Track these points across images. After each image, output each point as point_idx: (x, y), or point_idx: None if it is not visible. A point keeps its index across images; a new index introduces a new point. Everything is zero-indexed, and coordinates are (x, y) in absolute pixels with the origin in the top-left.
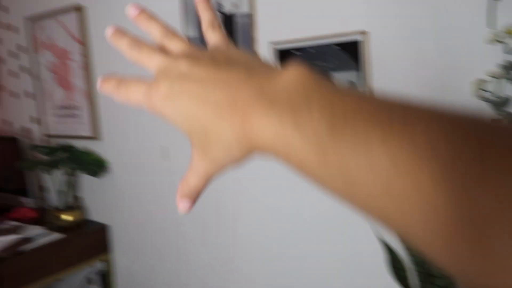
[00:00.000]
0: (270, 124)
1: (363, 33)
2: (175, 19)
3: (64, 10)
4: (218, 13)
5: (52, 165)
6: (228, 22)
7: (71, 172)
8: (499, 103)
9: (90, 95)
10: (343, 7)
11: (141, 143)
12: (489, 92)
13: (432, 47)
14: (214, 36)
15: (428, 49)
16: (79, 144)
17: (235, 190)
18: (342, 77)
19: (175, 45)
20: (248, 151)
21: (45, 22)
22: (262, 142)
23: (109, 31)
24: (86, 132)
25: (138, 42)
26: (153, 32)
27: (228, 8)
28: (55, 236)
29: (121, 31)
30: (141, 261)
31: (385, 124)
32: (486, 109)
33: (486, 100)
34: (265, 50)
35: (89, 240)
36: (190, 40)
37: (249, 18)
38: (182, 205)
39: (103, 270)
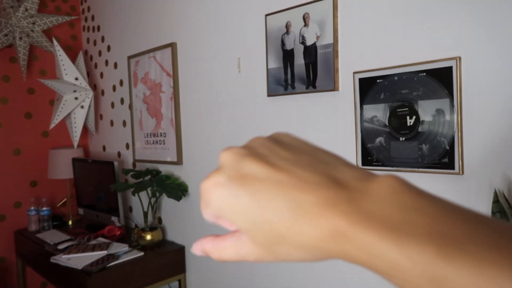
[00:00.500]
0: (367, 242)
1: (456, 58)
2: (261, 51)
3: (159, 48)
4: (301, 45)
5: (139, 188)
6: (311, 53)
7: (155, 195)
8: None
9: (176, 123)
10: (430, 33)
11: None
12: None
13: None
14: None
15: None
16: (163, 168)
17: None
18: (430, 105)
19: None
20: (326, 257)
21: (142, 58)
22: (353, 256)
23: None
24: (170, 158)
25: None
26: None
27: (310, 39)
28: (136, 253)
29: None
30: (212, 283)
31: (506, 253)
32: None
33: None
34: (347, 79)
35: (166, 260)
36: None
37: (332, 48)
38: (198, 252)
39: None
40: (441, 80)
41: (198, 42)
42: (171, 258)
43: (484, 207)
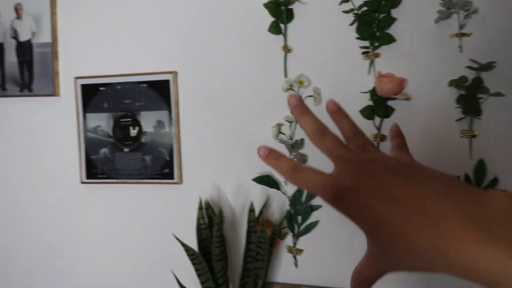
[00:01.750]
0: (490, 255)
1: (172, 72)
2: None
3: None
4: (13, 40)
5: None
6: (25, 51)
7: None
8: (293, 145)
9: None
10: (153, 47)
11: None
12: (285, 135)
13: (238, 90)
14: (360, 140)
15: (234, 91)
16: None
17: None
18: (151, 116)
19: (362, 140)
20: (443, 269)
21: None
22: (472, 269)
23: (292, 101)
24: None
25: (324, 129)
26: (344, 127)
27: (25, 34)
28: None
29: (304, 107)
30: None
31: None
32: (284, 150)
33: (283, 142)
34: (69, 84)
35: None
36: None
37: (50, 48)
38: None
39: None
40: (160, 92)
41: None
42: None
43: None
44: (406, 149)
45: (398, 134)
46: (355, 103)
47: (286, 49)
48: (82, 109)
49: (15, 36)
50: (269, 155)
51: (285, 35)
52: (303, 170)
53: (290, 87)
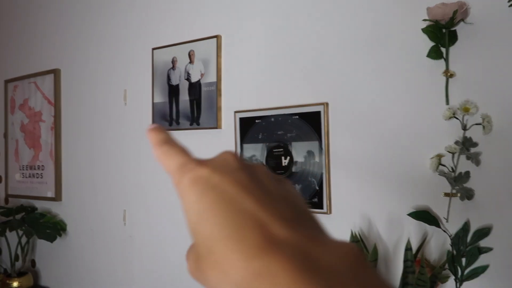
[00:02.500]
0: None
1: (324, 104)
2: (147, 84)
3: (41, 73)
4: (186, 82)
5: (6, 228)
6: (195, 90)
7: (26, 235)
8: (456, 178)
9: (56, 155)
10: (304, 79)
11: (102, 206)
12: (446, 167)
13: (393, 120)
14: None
15: (389, 122)
16: (41, 205)
17: None
18: (302, 146)
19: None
20: None
21: (21, 83)
22: None
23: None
24: (49, 193)
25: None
26: None
27: (195, 76)
28: None
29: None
30: None
31: None
32: (444, 184)
33: (444, 174)
34: (229, 117)
35: None
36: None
37: (215, 86)
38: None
39: None
40: (311, 123)
41: (83, 70)
42: None
43: None
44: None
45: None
46: None
47: (448, 74)
48: (240, 140)
49: (188, 78)
50: (154, 128)
51: (446, 59)
52: (170, 148)
53: (454, 115)
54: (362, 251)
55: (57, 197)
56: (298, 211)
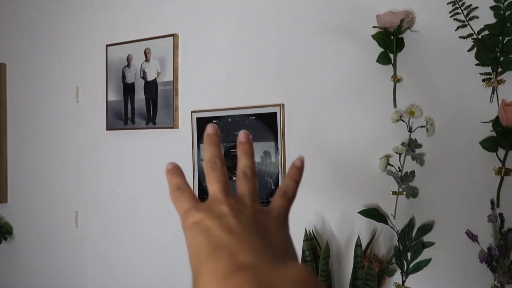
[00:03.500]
0: None
1: (279, 105)
2: (101, 82)
3: None
4: (142, 80)
5: None
6: (152, 89)
7: None
8: (402, 178)
9: (1, 156)
10: (260, 81)
11: (51, 208)
12: (394, 167)
13: (344, 122)
14: (277, 202)
15: (341, 123)
16: None
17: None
18: (259, 146)
19: (241, 186)
20: None
21: None
22: None
23: (209, 129)
24: None
25: (218, 161)
26: (239, 163)
27: (151, 74)
28: None
29: (217, 138)
30: None
31: None
32: (392, 183)
33: (391, 174)
34: (186, 117)
35: None
36: (256, 188)
37: (172, 86)
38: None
39: None
40: (267, 124)
41: (31, 65)
42: None
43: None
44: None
45: (293, 176)
46: (474, 133)
47: (396, 79)
48: (196, 139)
49: (143, 76)
50: (172, 169)
51: (394, 65)
52: (182, 194)
53: (400, 118)
54: (312, 275)
55: (2, 199)
56: (268, 242)
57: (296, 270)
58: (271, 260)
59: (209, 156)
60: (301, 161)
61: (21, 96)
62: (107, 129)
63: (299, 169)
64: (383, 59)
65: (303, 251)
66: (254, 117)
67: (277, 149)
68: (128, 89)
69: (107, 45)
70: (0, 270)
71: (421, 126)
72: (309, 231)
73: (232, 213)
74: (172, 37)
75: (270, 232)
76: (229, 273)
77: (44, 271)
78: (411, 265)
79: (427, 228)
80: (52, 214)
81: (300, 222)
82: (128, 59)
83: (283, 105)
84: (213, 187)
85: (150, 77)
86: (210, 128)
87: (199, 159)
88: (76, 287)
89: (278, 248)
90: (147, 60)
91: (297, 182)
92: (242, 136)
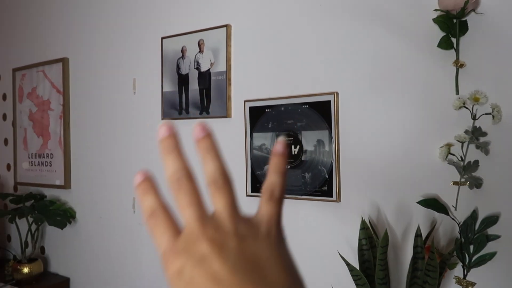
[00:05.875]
0: None
1: (334, 93)
2: (156, 74)
3: (49, 62)
4: (196, 71)
5: (16, 214)
6: (205, 79)
7: (36, 222)
8: (465, 167)
9: (65, 144)
10: (314, 69)
11: (110, 194)
12: (456, 156)
13: (402, 110)
14: (265, 208)
15: (398, 111)
16: (50, 192)
17: None
18: (312, 135)
19: (216, 201)
20: None
21: (29, 72)
22: None
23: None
24: (58, 181)
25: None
26: (206, 169)
27: (205, 65)
28: None
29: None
30: None
31: None
32: (453, 173)
33: (453, 164)
34: (239, 107)
35: None
36: (235, 198)
37: (225, 76)
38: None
39: None
40: (321, 112)
41: (92, 59)
42: None
43: (357, 233)
44: (276, 197)
45: (276, 167)
46: None
47: (458, 64)
48: (249, 129)
49: (197, 67)
50: (141, 184)
51: (456, 50)
52: (157, 223)
53: (463, 105)
54: None
55: (66, 185)
56: (263, 280)
57: None
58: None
59: (170, 173)
60: (282, 144)
61: (83, 89)
62: (162, 119)
63: (281, 155)
64: (445, 43)
65: (360, 240)
66: (307, 106)
67: (330, 137)
68: (183, 80)
69: (162, 38)
70: (65, 250)
71: (486, 114)
72: (365, 220)
73: (215, 252)
74: (225, 28)
75: (265, 267)
76: None
77: (103, 253)
78: (474, 258)
79: (492, 220)
80: (112, 200)
81: (354, 212)
82: (183, 50)
83: (337, 93)
84: (185, 214)
85: (203, 68)
86: (161, 130)
87: (252, 148)
88: (134, 270)
89: (276, 285)
90: (200, 51)
91: (283, 174)
92: (198, 130)
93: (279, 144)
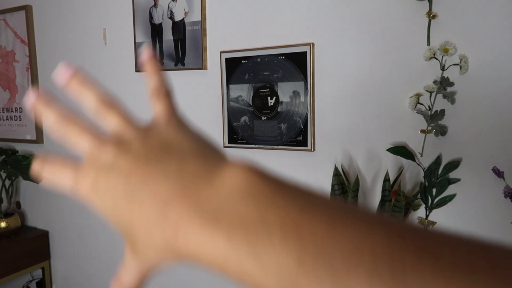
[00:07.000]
0: (216, 245)
1: (309, 44)
2: (128, 23)
3: (10, 10)
4: (170, 20)
5: None
6: (179, 29)
7: (9, 177)
8: (432, 116)
9: None
10: (290, 20)
11: None
12: (424, 105)
13: (375, 61)
14: (158, 107)
15: (371, 62)
16: (21, 147)
17: None
18: (288, 86)
19: (109, 121)
20: (182, 259)
21: None
22: (204, 260)
23: (30, 98)
24: (29, 135)
25: (67, 117)
26: (87, 103)
27: (179, 14)
28: None
29: (48, 100)
30: (79, 268)
31: (367, 265)
32: (421, 121)
33: (421, 113)
34: (215, 58)
35: (25, 247)
36: (127, 113)
37: (200, 26)
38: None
39: (41, 278)
40: (297, 64)
41: (57, 7)
42: (32, 245)
43: (330, 180)
44: (163, 95)
45: (152, 70)
46: (509, 73)
47: (431, 15)
48: (226, 80)
49: (171, 16)
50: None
51: (430, 1)
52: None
53: (434, 56)
54: (253, 170)
55: (39, 140)
56: (180, 158)
57: (234, 176)
58: (198, 177)
59: (52, 119)
60: (147, 50)
61: (50, 39)
62: (136, 71)
63: (150, 58)
64: None
65: (332, 186)
66: (283, 57)
67: (306, 89)
68: (156, 30)
69: None
70: (41, 205)
71: (454, 64)
72: (337, 167)
73: (121, 154)
74: None
75: (175, 144)
76: (163, 212)
77: (77, 204)
78: (436, 200)
79: (454, 165)
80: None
81: (328, 160)
82: None
83: (313, 44)
84: (82, 142)
85: (177, 18)
86: (30, 97)
87: (229, 99)
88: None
89: (195, 158)
90: None
91: (159, 73)
92: (63, 72)
93: (144, 51)
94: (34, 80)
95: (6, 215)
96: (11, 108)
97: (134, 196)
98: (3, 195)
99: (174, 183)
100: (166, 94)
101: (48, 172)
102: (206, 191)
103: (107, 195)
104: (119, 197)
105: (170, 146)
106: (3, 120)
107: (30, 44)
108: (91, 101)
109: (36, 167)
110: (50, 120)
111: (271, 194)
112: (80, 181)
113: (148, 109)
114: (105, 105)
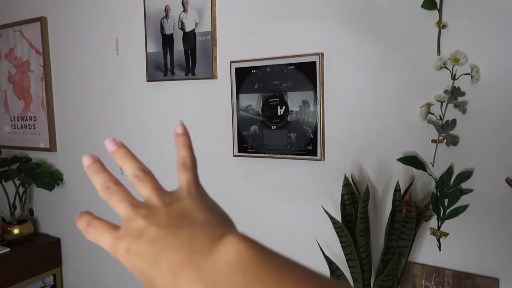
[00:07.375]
0: None
1: (319, 54)
2: (140, 34)
3: (26, 21)
4: (180, 31)
5: (2, 177)
6: (190, 40)
7: (23, 184)
8: (443, 126)
9: (48, 106)
10: (300, 30)
11: (98, 154)
12: (435, 115)
13: (385, 71)
14: (182, 177)
15: (381, 72)
16: (35, 155)
17: None
18: (297, 96)
19: (142, 189)
20: None
21: (5, 32)
22: None
23: (86, 161)
24: (42, 144)
25: (111, 184)
26: (126, 171)
27: (189, 25)
28: (0, 250)
29: (98, 165)
30: (89, 275)
31: None
32: (432, 131)
33: (432, 122)
34: (225, 68)
35: (38, 254)
36: (157, 183)
37: (210, 36)
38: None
39: (52, 284)
40: (306, 73)
41: (71, 18)
42: (44, 252)
43: (340, 189)
44: (189, 167)
45: (182, 143)
46: None
47: (441, 25)
48: (235, 90)
49: (182, 27)
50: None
51: (440, 10)
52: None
53: (444, 65)
54: (244, 244)
55: (52, 148)
56: (192, 226)
57: (228, 249)
58: (203, 246)
59: (99, 185)
60: (181, 126)
61: (64, 49)
62: (147, 81)
63: (184, 134)
64: (429, 4)
65: (342, 196)
66: (293, 67)
67: (315, 98)
68: (167, 40)
69: None
70: (54, 212)
71: (465, 74)
72: (347, 177)
73: (149, 223)
74: None
75: (191, 215)
76: (176, 278)
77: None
78: (448, 211)
79: (466, 175)
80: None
81: (338, 169)
82: (166, 10)
83: (322, 54)
84: (120, 209)
85: (188, 28)
86: (85, 160)
87: (238, 109)
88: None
89: (204, 227)
90: (185, 10)
91: (189, 147)
92: (111, 144)
93: (178, 126)
94: (48, 89)
95: (19, 222)
96: (26, 117)
97: (156, 263)
98: (17, 202)
99: (184, 256)
100: (191, 167)
101: (92, 233)
102: (207, 261)
103: (136, 258)
104: (146, 262)
105: (186, 216)
106: (18, 128)
107: (45, 54)
108: (130, 169)
109: (82, 226)
110: (97, 185)
111: (255, 265)
112: (118, 244)
113: (159, 118)
114: (141, 175)
